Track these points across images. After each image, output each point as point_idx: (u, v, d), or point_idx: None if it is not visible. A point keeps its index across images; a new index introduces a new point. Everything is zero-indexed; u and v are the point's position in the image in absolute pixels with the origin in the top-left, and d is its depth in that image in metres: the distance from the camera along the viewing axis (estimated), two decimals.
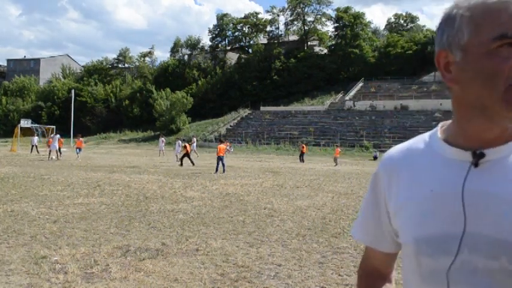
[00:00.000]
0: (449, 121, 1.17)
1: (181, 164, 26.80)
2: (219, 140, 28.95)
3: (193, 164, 27.02)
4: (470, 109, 1.05)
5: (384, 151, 42.78)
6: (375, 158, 39.54)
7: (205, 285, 5.45)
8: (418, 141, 1.21)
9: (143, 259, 6.55)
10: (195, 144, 38.55)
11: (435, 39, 1.11)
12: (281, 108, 66.78)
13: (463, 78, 1.04)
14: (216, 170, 22.54)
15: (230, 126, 64.99)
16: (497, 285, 1.00)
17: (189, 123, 69.35)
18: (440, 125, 1.20)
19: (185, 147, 28.42)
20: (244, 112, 69.26)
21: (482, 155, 1.05)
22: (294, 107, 65.93)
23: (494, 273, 1.00)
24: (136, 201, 12.17)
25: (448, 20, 1.05)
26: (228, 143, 25.96)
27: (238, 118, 67.56)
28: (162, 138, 40.27)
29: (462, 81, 1.04)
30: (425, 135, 1.20)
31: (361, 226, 1.32)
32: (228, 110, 71.57)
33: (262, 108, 68.33)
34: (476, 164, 1.06)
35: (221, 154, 22.94)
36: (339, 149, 33.24)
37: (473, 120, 1.06)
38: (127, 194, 13.54)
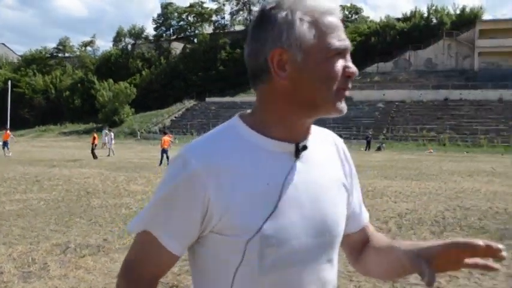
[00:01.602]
0: (249, 113, 1.22)
1: (95, 157, 26.70)
2: (163, 132, 28.61)
3: (95, 157, 26.72)
4: (300, 106, 1.15)
5: None
6: None
7: None
8: (227, 136, 1.18)
9: (83, 256, 6.50)
10: (109, 138, 32.22)
11: (266, 38, 1.13)
12: (227, 99, 66.74)
13: (300, 78, 1.12)
14: (161, 162, 22.38)
15: (175, 117, 64.49)
16: (322, 255, 1.20)
17: (133, 114, 68.33)
18: (239, 118, 1.22)
19: (94, 138, 28.26)
20: (189, 103, 68.87)
21: (305, 148, 1.18)
22: (240, 98, 66.00)
23: (320, 246, 1.20)
24: (77, 196, 11.97)
25: (286, 21, 1.11)
26: (170, 135, 25.57)
27: (183, 109, 67.12)
28: (106, 131, 39.54)
29: (298, 81, 1.12)
30: (230, 130, 1.20)
31: (178, 237, 1.17)
32: (172, 101, 70.93)
33: (207, 99, 68.11)
34: (297, 155, 1.18)
35: (165, 146, 22.80)
36: None
37: (300, 116, 1.17)
38: (67, 189, 13.28)
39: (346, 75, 1.14)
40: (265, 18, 1.14)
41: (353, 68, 1.15)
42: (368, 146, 41.87)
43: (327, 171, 1.25)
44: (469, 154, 36.80)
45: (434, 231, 8.32)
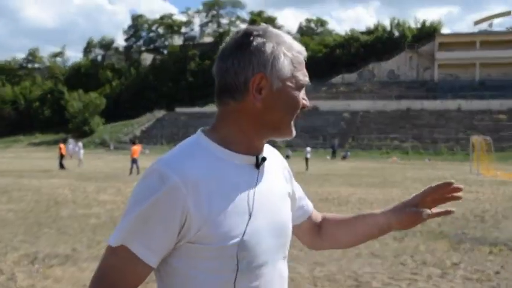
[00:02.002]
0: (210, 128, 1.30)
1: (62, 167, 25.99)
2: (132, 142, 28.24)
3: (62, 167, 26.00)
4: (264, 127, 1.26)
5: (296, 151, 43.86)
6: (287, 157, 40.39)
7: None
8: (197, 151, 1.24)
9: (52, 266, 6.39)
10: (78, 149, 31.20)
11: (250, 62, 1.22)
12: (197, 109, 66.50)
13: (273, 104, 1.24)
14: (130, 172, 22.16)
15: (145, 127, 63.94)
16: (280, 254, 1.32)
17: (103, 124, 67.47)
18: (202, 133, 1.28)
19: (60, 148, 27.32)
20: (159, 114, 68.38)
21: (265, 159, 1.29)
22: (210, 108, 65.80)
23: (279, 247, 1.31)
24: (47, 206, 11.75)
25: (273, 52, 1.23)
26: (139, 145, 25.00)
27: (153, 119, 66.63)
28: (71, 140, 38.95)
29: (270, 106, 1.24)
30: (197, 145, 1.25)
31: (155, 250, 1.18)
32: (143, 112, 70.31)
33: (177, 110, 67.75)
34: (258, 166, 1.28)
35: (135, 156, 22.59)
36: None
37: (261, 136, 1.28)
38: (36, 199, 13.03)
39: (303, 106, 1.30)
40: (252, 42, 1.24)
41: (307, 101, 1.32)
42: (334, 154, 42.34)
43: (278, 180, 1.38)
44: (431, 162, 37.50)
45: (396, 236, 8.45)
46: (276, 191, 1.34)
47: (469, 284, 5.72)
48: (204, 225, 1.17)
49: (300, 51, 1.29)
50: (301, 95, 1.29)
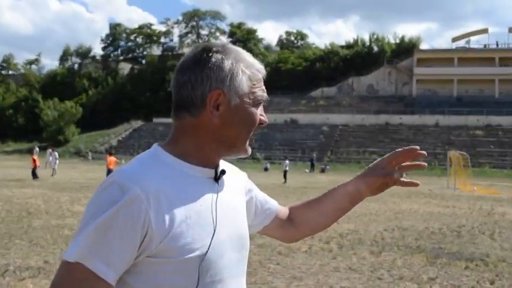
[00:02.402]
0: (166, 142, 1.30)
1: (35, 177, 25.01)
2: (109, 152, 27.90)
3: (34, 177, 24.96)
4: (220, 143, 1.27)
5: (274, 163, 43.93)
6: (266, 169, 40.46)
7: None
8: (155, 163, 1.23)
9: (23, 278, 6.27)
10: (53, 157, 30.35)
11: (208, 77, 1.23)
12: None
13: (230, 120, 1.24)
14: None
15: (122, 137, 63.43)
16: (241, 268, 1.32)
17: (79, 134, 66.75)
18: (159, 148, 1.27)
19: (34, 160, 25.90)
20: (136, 124, 67.93)
21: (224, 172, 1.31)
22: None
23: (240, 261, 1.31)
24: (18, 217, 11.54)
25: (231, 69, 1.24)
26: (115, 158, 24.24)
27: (130, 130, 66.16)
28: (50, 150, 38.46)
29: (227, 122, 1.24)
30: (155, 158, 1.25)
31: (117, 266, 1.14)
32: (120, 122, 69.76)
33: (155, 120, 67.41)
34: (216, 179, 1.29)
35: (111, 167, 22.38)
36: None
37: (217, 152, 1.29)
38: (8, 209, 12.79)
39: (260, 122, 1.31)
40: (211, 58, 1.24)
41: (265, 118, 1.34)
42: (312, 168, 42.47)
43: (236, 194, 1.38)
44: (408, 176, 37.84)
45: (373, 251, 8.52)
46: (236, 204, 1.35)
47: None
48: (165, 238, 1.14)
49: (258, 69, 1.31)
50: (259, 111, 1.30)
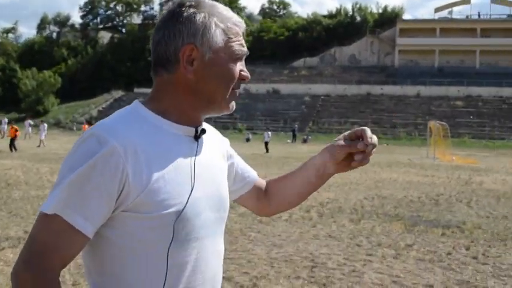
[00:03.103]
0: (147, 99, 1.30)
1: (12, 150, 23.69)
2: (89, 123, 27.70)
3: (13, 149, 23.64)
4: (199, 99, 1.25)
5: (256, 134, 43.98)
6: (247, 140, 40.52)
7: (69, 272, 5.37)
8: (134, 118, 1.22)
9: (3, 248, 6.26)
10: (42, 129, 29.71)
11: (180, 32, 1.21)
12: None
13: (204, 75, 1.23)
14: None
15: (102, 108, 62.78)
16: (218, 229, 1.32)
17: (58, 104, 65.91)
18: (139, 104, 1.27)
19: (15, 130, 24.80)
20: (117, 94, 67.26)
21: (204, 131, 1.30)
22: None
23: (217, 221, 1.31)
24: None
25: (203, 22, 1.22)
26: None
27: (111, 100, 65.50)
28: (29, 121, 37.99)
29: (202, 77, 1.23)
30: (134, 113, 1.24)
31: (94, 219, 1.14)
32: (100, 92, 68.90)
33: (136, 90, 66.67)
34: (196, 138, 1.28)
35: None
36: None
37: (197, 108, 1.27)
38: None
39: (241, 78, 1.28)
40: (183, 13, 1.23)
41: (247, 73, 1.30)
42: (294, 138, 42.65)
43: (217, 155, 1.38)
44: (389, 146, 38.29)
45: (352, 218, 8.65)
46: (216, 164, 1.35)
47: (421, 264, 5.92)
48: (142, 193, 1.14)
49: (236, 22, 1.28)
50: (239, 66, 1.27)
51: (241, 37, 1.29)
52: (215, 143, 1.40)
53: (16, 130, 24.95)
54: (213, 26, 1.23)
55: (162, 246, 1.18)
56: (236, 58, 1.27)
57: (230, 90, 1.27)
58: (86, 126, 23.14)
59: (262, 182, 1.59)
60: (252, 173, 1.56)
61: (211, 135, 1.38)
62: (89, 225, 1.13)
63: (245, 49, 1.29)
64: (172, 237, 1.17)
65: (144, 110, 1.25)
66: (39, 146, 27.93)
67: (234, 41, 1.26)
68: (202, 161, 1.27)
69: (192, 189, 1.21)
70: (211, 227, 1.28)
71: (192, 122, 1.28)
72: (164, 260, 1.18)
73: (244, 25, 1.32)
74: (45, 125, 31.24)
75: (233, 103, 1.30)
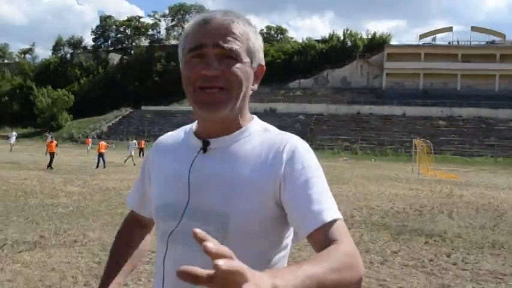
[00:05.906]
0: None
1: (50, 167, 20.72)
2: (99, 137, 27.64)
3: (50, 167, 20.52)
4: (192, 106, 1.18)
5: None
6: None
7: (82, 273, 5.41)
8: (181, 131, 1.34)
9: (20, 251, 6.30)
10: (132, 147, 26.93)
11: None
12: (161, 107, 65.78)
13: (183, 83, 1.18)
14: (97, 165, 21.83)
15: (112, 124, 62.78)
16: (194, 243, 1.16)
17: (71, 120, 65.93)
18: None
19: (56, 145, 21.98)
20: (125, 111, 67.25)
21: (208, 143, 1.19)
22: (174, 107, 65.28)
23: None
24: (15, 196, 11.49)
25: (184, 33, 1.22)
26: (104, 143, 23.47)
27: (120, 116, 65.47)
28: (50, 135, 38.05)
29: (184, 86, 1.18)
30: (187, 127, 1.33)
31: (132, 196, 1.46)
32: (110, 109, 68.94)
33: (143, 108, 66.83)
34: (204, 150, 1.21)
35: (102, 150, 22.26)
36: None
37: (197, 116, 1.24)
38: (5, 189, 12.70)
39: (202, 74, 1.12)
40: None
41: (206, 69, 1.11)
42: None
43: (238, 169, 1.17)
44: (377, 162, 38.33)
45: None
46: (230, 178, 1.16)
47: (406, 270, 5.98)
48: (151, 184, 1.34)
49: (195, 21, 1.18)
50: (196, 63, 1.14)
51: (195, 33, 1.15)
52: (251, 156, 1.18)
53: (56, 145, 22.03)
54: (184, 36, 1.20)
55: (161, 237, 1.25)
56: (190, 57, 1.15)
57: (193, 91, 1.14)
58: (90, 140, 22.94)
59: (321, 240, 1.07)
60: (307, 222, 1.09)
61: (253, 148, 1.19)
62: (130, 199, 1.51)
63: (198, 41, 1.13)
64: (158, 233, 1.28)
65: (191, 126, 1.32)
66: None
67: (187, 42, 1.17)
68: (208, 172, 1.18)
69: (181, 194, 1.20)
70: (182, 236, 1.16)
71: (206, 132, 1.22)
72: (157, 250, 1.26)
73: (200, 20, 1.17)
74: (135, 142, 30.01)
75: (206, 103, 1.14)
